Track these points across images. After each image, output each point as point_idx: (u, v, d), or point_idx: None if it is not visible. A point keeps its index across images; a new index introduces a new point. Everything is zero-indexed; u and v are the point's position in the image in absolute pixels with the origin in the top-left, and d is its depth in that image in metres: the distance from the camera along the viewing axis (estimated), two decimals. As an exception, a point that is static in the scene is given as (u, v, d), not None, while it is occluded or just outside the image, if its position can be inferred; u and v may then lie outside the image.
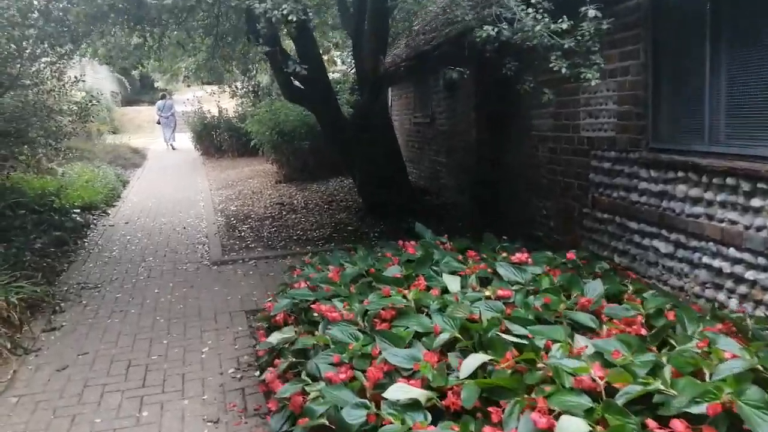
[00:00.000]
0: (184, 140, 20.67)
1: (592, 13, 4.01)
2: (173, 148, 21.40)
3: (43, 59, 7.81)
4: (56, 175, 11.17)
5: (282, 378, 3.39)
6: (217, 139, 17.99)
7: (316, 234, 8.18)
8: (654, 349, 2.78)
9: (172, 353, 4.61)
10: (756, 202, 3.65)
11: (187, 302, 5.77)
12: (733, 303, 3.88)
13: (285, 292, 4.44)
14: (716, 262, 4.00)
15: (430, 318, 3.26)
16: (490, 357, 2.65)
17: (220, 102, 16.95)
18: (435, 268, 4.05)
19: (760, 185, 3.62)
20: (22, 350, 4.67)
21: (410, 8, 7.36)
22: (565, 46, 4.16)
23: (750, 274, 3.74)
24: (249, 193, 11.82)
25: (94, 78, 21.20)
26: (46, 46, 7.00)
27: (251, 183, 13.09)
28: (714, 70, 3.97)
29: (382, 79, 7.92)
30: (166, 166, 17.29)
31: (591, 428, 2.15)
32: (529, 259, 4.09)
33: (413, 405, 2.52)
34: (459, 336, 2.98)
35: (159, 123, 21.80)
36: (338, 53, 14.60)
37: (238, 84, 12.81)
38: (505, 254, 4.24)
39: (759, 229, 3.66)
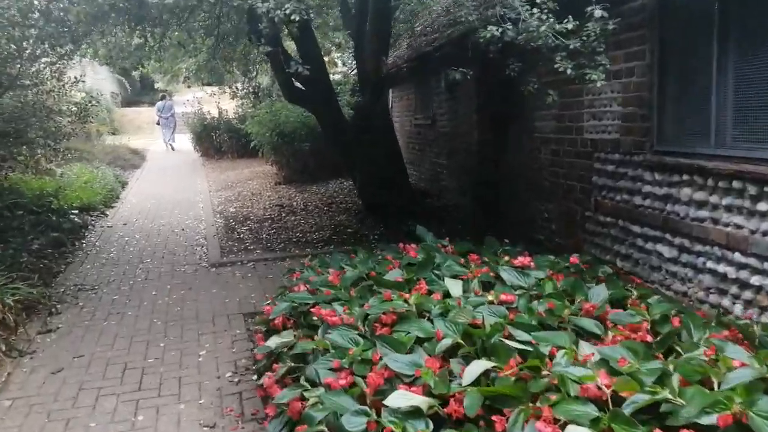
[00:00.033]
0: (184, 141, 20.64)
1: (598, 13, 3.95)
2: (173, 149, 21.36)
3: (43, 59, 7.76)
4: (55, 176, 11.10)
5: (280, 383, 3.32)
6: (217, 140, 17.94)
7: (316, 236, 8.12)
8: (660, 356, 2.71)
9: (169, 356, 4.54)
10: (763, 206, 3.59)
11: (184, 304, 5.71)
12: (738, 308, 3.82)
13: (284, 295, 4.38)
14: (721, 267, 3.94)
15: (432, 323, 3.21)
16: (493, 364, 2.59)
17: (220, 103, 16.90)
18: (436, 271, 4.00)
19: (767, 189, 3.56)
20: (17, 352, 4.60)
21: (413, 9, 7.31)
22: (571, 46, 4.10)
23: (756, 280, 3.68)
24: (248, 195, 11.76)
25: (94, 79, 21.12)
26: (46, 46, 6.96)
27: (251, 184, 13.03)
28: (721, 71, 3.91)
29: (383, 80, 7.87)
30: (166, 167, 17.23)
31: (597, 438, 2.09)
32: (532, 263, 4.03)
33: (414, 412, 2.46)
34: (461, 342, 2.92)
35: (158, 124, 21.77)
36: (338, 55, 14.56)
37: (239, 85, 12.78)
38: (507, 258, 4.18)
39: (765, 233, 3.59)
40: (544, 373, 2.48)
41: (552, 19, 4.16)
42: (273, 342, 3.66)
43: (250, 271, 6.75)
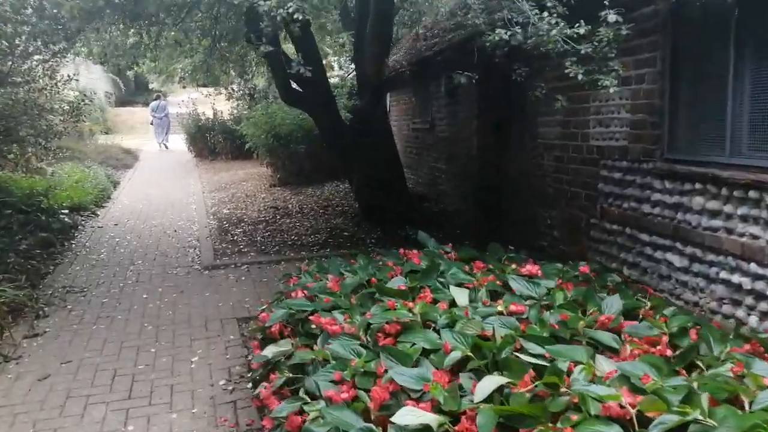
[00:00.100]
0: (178, 142, 20.48)
1: (612, 18, 3.83)
2: (166, 148, 21.28)
3: (36, 57, 7.65)
4: (45, 175, 10.91)
5: (278, 394, 3.16)
6: (211, 141, 17.80)
7: (311, 239, 7.98)
8: (683, 372, 2.58)
9: (160, 363, 4.40)
10: (781, 217, 3.48)
11: (176, 308, 5.55)
12: (753, 320, 3.70)
13: (280, 301, 4.23)
14: (735, 278, 3.82)
15: (438, 334, 3.06)
16: (507, 379, 2.44)
17: (215, 104, 16.76)
18: (441, 279, 3.85)
19: (785, 199, 3.45)
20: (1, 357, 4.44)
21: (421, 8, 7.21)
22: (582, 51, 3.98)
23: (772, 291, 3.57)
24: (242, 197, 11.61)
25: (88, 78, 20.91)
26: (38, 43, 6.85)
27: (245, 186, 12.88)
28: (738, 78, 3.80)
29: (383, 84, 7.77)
30: (159, 168, 17.05)
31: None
32: (539, 272, 3.89)
33: (423, 431, 2.31)
34: (471, 355, 2.77)
35: (152, 124, 21.62)
36: (335, 58, 14.47)
37: (235, 86, 12.66)
38: (514, 266, 4.04)
39: (783, 244, 3.48)
40: (563, 390, 2.33)
41: (562, 23, 4.04)
42: (270, 351, 3.49)
43: (244, 275, 6.60)
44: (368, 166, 8.19)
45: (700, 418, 2.06)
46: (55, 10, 6.15)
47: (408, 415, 2.37)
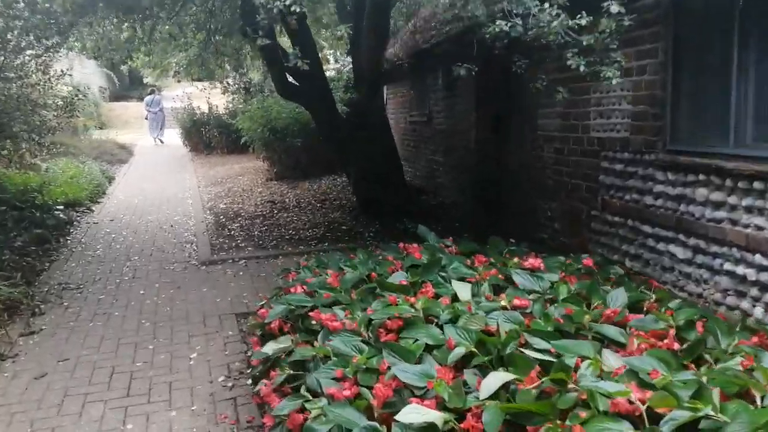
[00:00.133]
0: (173, 136, 20.37)
1: (615, 8, 3.76)
2: (162, 143, 21.18)
3: (28, 52, 7.56)
4: (39, 171, 10.81)
5: (278, 391, 3.11)
6: (207, 136, 17.70)
7: (309, 233, 7.92)
8: (692, 366, 2.54)
9: (159, 359, 4.34)
10: (786, 208, 3.44)
11: (174, 304, 5.50)
12: (759, 311, 3.66)
13: (280, 297, 4.18)
14: (740, 269, 3.78)
15: (441, 329, 3.01)
16: (513, 376, 2.40)
17: (210, 98, 16.65)
18: (442, 273, 3.80)
19: (791, 190, 3.41)
20: (-3, 356, 4.38)
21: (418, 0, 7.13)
22: (584, 43, 3.92)
23: (778, 283, 3.53)
24: (239, 191, 11.54)
25: (81, 73, 20.79)
26: (31, 38, 6.77)
27: (241, 180, 12.81)
28: (742, 68, 3.75)
29: (380, 76, 7.70)
30: (154, 163, 16.95)
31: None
32: (542, 265, 3.84)
33: (428, 429, 2.26)
34: (475, 350, 2.73)
35: (147, 119, 21.51)
36: (331, 51, 14.38)
37: (230, 80, 12.55)
38: (516, 259, 3.99)
39: (789, 236, 3.45)
40: (570, 386, 2.29)
41: (564, 15, 3.98)
42: (270, 348, 3.44)
43: (242, 270, 6.55)
44: (365, 159, 8.14)
45: (712, 413, 2.02)
46: (47, 4, 6.08)
47: (412, 413, 2.32)
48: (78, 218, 9.40)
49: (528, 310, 3.18)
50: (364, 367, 2.82)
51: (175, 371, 4.15)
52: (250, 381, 3.87)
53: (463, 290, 3.48)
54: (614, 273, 4.02)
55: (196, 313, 5.26)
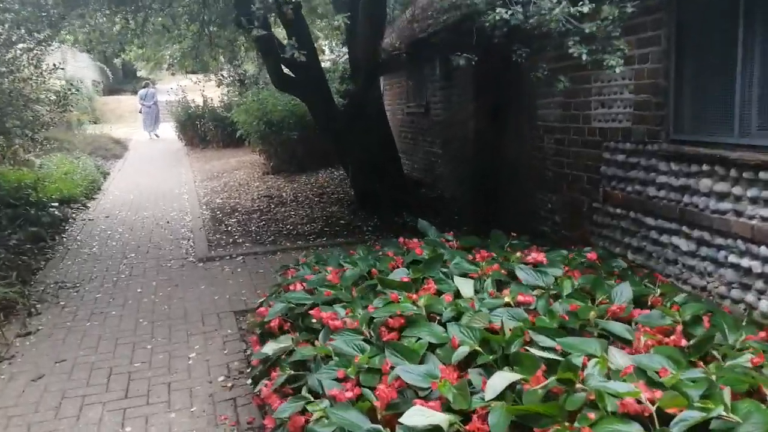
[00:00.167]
0: (168, 130, 20.24)
1: (618, -5, 3.69)
2: (157, 136, 21.03)
3: (20, 45, 7.47)
4: (33, 167, 10.72)
5: (279, 392, 3.06)
6: (202, 129, 17.55)
7: (307, 228, 7.86)
8: (700, 363, 2.48)
9: (157, 360, 4.29)
10: (792, 199, 3.38)
11: (171, 302, 5.44)
12: (764, 304, 3.61)
13: (279, 294, 4.12)
14: (745, 261, 3.72)
15: (444, 327, 2.95)
16: (519, 376, 2.34)
17: (204, 91, 16.52)
18: (444, 269, 3.74)
19: (797, 180, 3.35)
20: (-7, 358, 4.33)
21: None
22: (587, 30, 3.84)
23: (784, 275, 3.48)
24: (235, 185, 11.45)
25: (74, 66, 20.66)
26: (22, 31, 6.68)
27: (237, 174, 12.71)
28: (747, 56, 3.67)
29: (377, 67, 7.61)
30: (149, 157, 16.83)
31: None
32: (545, 259, 3.78)
33: (433, 431, 2.21)
34: (479, 349, 2.67)
35: (141, 112, 21.35)
36: (326, 42, 14.26)
37: (224, 73, 12.44)
38: (518, 254, 3.93)
39: (795, 227, 3.39)
40: (578, 386, 2.24)
41: (565, 2, 3.90)
42: (270, 348, 3.38)
43: (240, 266, 6.49)
44: (362, 150, 8.06)
45: (724, 413, 1.97)
46: (38, -3, 5.99)
47: (417, 415, 2.27)
48: (73, 215, 9.32)
49: (532, 307, 3.12)
50: (366, 367, 2.77)
51: (173, 371, 4.10)
52: (250, 381, 3.82)
53: (466, 287, 3.42)
54: (617, 267, 3.96)
55: (194, 311, 5.20)
